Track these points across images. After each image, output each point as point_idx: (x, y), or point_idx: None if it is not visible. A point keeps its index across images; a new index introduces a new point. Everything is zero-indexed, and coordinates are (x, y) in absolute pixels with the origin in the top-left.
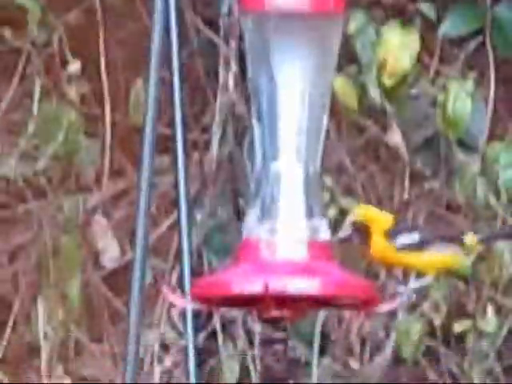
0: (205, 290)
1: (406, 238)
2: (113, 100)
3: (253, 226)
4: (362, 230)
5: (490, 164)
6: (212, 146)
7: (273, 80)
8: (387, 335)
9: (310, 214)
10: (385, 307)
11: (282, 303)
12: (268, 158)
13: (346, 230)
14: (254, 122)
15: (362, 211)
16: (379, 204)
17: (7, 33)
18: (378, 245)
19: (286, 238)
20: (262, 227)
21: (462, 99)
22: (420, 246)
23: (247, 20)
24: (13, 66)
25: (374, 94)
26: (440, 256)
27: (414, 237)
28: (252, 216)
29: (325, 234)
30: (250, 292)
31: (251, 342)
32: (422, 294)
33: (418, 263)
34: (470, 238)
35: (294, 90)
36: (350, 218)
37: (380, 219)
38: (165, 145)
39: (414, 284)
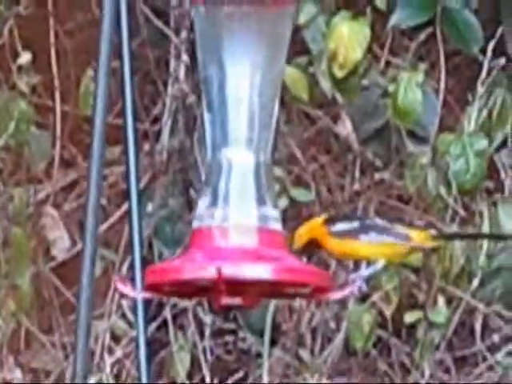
0: (157, 277)
1: (344, 225)
2: (63, 91)
3: (204, 213)
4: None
5: (440, 155)
6: (163, 136)
7: (223, 70)
8: (338, 326)
9: (261, 202)
10: (337, 294)
11: (234, 291)
12: (219, 147)
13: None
14: (205, 111)
15: (298, 236)
16: (330, 195)
17: None
18: (319, 232)
19: (237, 226)
20: (213, 215)
21: (412, 90)
22: (357, 234)
23: (198, 10)
24: None
25: (325, 84)
26: (377, 245)
27: (354, 225)
28: (203, 204)
29: (276, 223)
30: (202, 277)
31: (202, 333)
32: (373, 284)
33: (353, 251)
34: (420, 236)
35: (245, 80)
36: (294, 247)
37: (314, 226)
38: (115, 135)
39: (365, 271)
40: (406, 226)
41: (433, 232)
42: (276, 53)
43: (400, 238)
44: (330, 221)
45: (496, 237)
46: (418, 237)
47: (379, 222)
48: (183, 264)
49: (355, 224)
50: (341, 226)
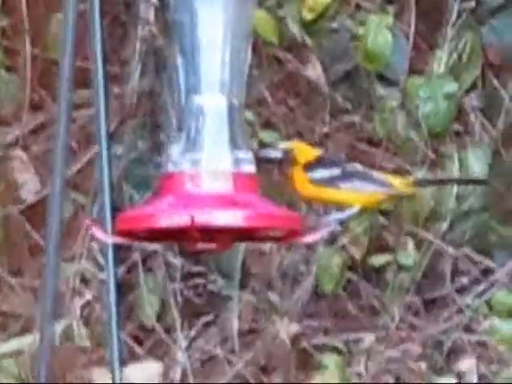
0: (130, 223)
1: (325, 172)
2: (33, 34)
3: (177, 158)
4: (284, 165)
5: (410, 98)
6: (132, 79)
7: (194, 13)
8: (307, 269)
9: (234, 146)
10: (310, 238)
11: (206, 236)
12: (192, 92)
13: (276, 152)
14: (178, 55)
15: (293, 143)
16: (300, 138)
17: None
18: (298, 177)
19: (210, 170)
20: (187, 160)
21: (382, 33)
22: (337, 181)
23: None
24: None
25: (294, 27)
26: (356, 193)
27: (335, 172)
28: (176, 149)
29: (249, 167)
30: (176, 225)
31: (171, 276)
32: (343, 227)
33: (333, 198)
34: (400, 182)
35: (217, 24)
36: (283, 143)
37: (308, 153)
38: (84, 78)
39: (340, 214)
40: (385, 172)
41: (412, 178)
42: None
43: (382, 185)
44: (310, 166)
45: (475, 181)
46: (398, 183)
47: (359, 167)
48: (156, 211)
49: (336, 171)
50: (321, 174)
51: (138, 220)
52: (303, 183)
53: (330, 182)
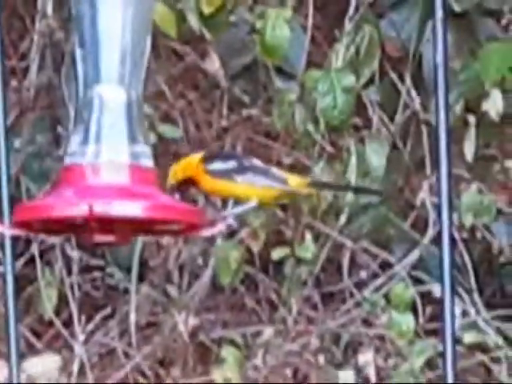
0: (28, 214)
1: (221, 164)
2: None
3: (75, 150)
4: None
5: (308, 91)
6: (30, 72)
7: (94, 5)
8: (206, 262)
9: (132, 139)
10: (208, 231)
11: (105, 228)
12: (90, 84)
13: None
14: (76, 48)
15: (173, 173)
16: (198, 131)
17: None
18: (196, 170)
19: (108, 163)
20: (85, 152)
21: (280, 27)
22: (233, 174)
23: None
24: None
25: (193, 20)
26: (252, 187)
27: (230, 164)
28: (74, 141)
29: (148, 160)
30: (74, 215)
31: (69, 269)
32: (240, 221)
33: (228, 191)
34: (296, 181)
35: (116, 15)
36: (169, 184)
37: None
38: None
39: (238, 209)
40: (284, 170)
41: (308, 179)
42: None
43: (277, 181)
44: (207, 159)
45: (371, 191)
46: (293, 182)
47: (257, 163)
48: (54, 201)
49: (232, 164)
50: (218, 165)
51: (36, 211)
52: (200, 174)
53: (226, 174)
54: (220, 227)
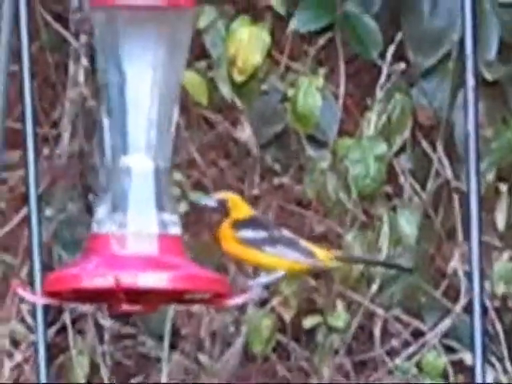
0: (56, 284)
1: (251, 233)
2: None
3: (103, 219)
4: (213, 225)
5: (340, 159)
6: (62, 140)
7: (122, 74)
8: (237, 331)
9: (160, 208)
10: (236, 301)
11: (133, 297)
12: (118, 152)
13: (210, 201)
14: (104, 116)
15: (230, 195)
16: None
17: None
18: (225, 234)
19: (136, 232)
20: (112, 221)
21: (312, 95)
22: (263, 244)
23: (97, 15)
24: None
25: (224, 89)
26: (280, 259)
27: (261, 234)
28: (102, 210)
29: (175, 229)
30: (100, 286)
31: (101, 338)
32: (272, 289)
33: (256, 260)
34: (324, 254)
35: (144, 84)
36: (218, 194)
37: (242, 208)
38: (15, 139)
39: (265, 278)
40: (312, 242)
41: (335, 253)
42: (175, 57)
43: (304, 254)
44: (238, 224)
45: (400, 267)
46: (321, 255)
47: (287, 234)
48: (81, 272)
49: (263, 234)
50: (248, 234)
51: (64, 281)
52: (230, 240)
53: (255, 243)
54: (247, 297)
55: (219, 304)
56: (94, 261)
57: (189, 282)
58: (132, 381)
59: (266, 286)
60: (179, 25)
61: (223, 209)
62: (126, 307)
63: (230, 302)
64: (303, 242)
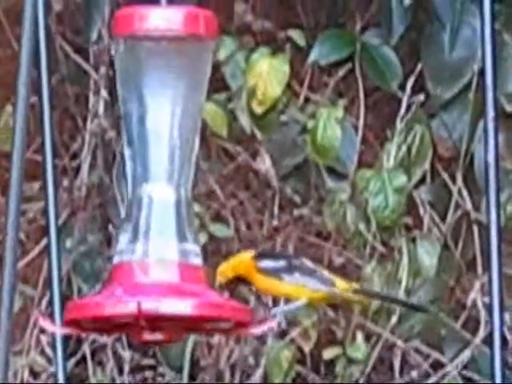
0: (77, 312)
1: (271, 263)
2: None
3: (124, 249)
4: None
5: (359, 191)
6: (82, 172)
7: (143, 104)
8: (257, 362)
9: (181, 237)
10: (258, 330)
11: (154, 326)
12: (139, 183)
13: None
14: (125, 146)
15: (223, 272)
16: (249, 230)
17: None
18: (247, 265)
19: (157, 261)
20: (134, 250)
21: (331, 126)
22: (281, 273)
23: (117, 46)
24: None
25: (244, 120)
26: (298, 287)
27: (280, 263)
28: (123, 239)
29: (197, 259)
30: (122, 313)
31: (121, 369)
32: (292, 320)
33: (276, 289)
34: (344, 285)
35: (165, 115)
36: (218, 282)
37: (243, 260)
38: (34, 171)
39: (285, 307)
40: (333, 273)
41: (355, 286)
42: (196, 88)
43: (324, 283)
44: (259, 256)
45: (417, 308)
46: (341, 285)
47: (307, 263)
48: (103, 300)
49: (281, 262)
50: (268, 263)
51: (85, 309)
52: (251, 271)
53: (275, 272)
54: (269, 325)
55: (242, 333)
56: (115, 289)
57: (212, 309)
58: None
59: (285, 317)
60: (200, 55)
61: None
62: (147, 336)
63: (253, 331)
64: (324, 272)
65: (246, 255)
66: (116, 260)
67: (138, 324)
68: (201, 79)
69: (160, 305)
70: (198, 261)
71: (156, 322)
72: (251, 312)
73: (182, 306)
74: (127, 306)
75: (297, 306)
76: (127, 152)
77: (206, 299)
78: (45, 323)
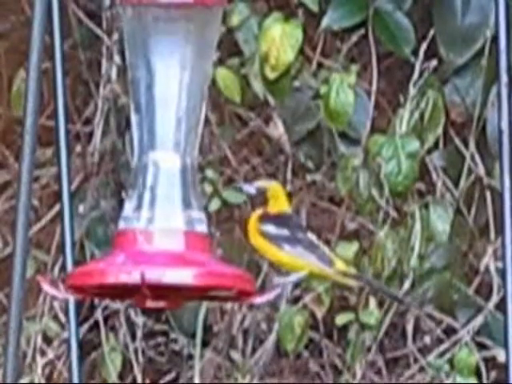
0: (81, 279)
1: (274, 229)
2: None
3: (130, 215)
4: (243, 221)
5: (372, 157)
6: (94, 137)
7: (151, 71)
8: (269, 328)
9: (187, 205)
10: (261, 299)
11: (158, 293)
12: (145, 149)
13: (250, 188)
14: (132, 113)
15: (272, 184)
16: (261, 196)
17: None
18: (251, 225)
19: (162, 228)
20: (139, 217)
21: (344, 92)
22: (283, 242)
23: (126, 12)
24: None
25: (257, 86)
26: (297, 260)
27: (284, 232)
28: (129, 206)
29: (202, 226)
30: (125, 282)
31: (133, 335)
32: (305, 286)
33: (273, 256)
34: (343, 267)
35: (172, 82)
36: (260, 182)
37: (280, 200)
38: (47, 137)
39: (288, 278)
40: (334, 253)
41: (353, 271)
42: (203, 55)
43: (323, 260)
44: (264, 218)
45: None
46: (339, 265)
47: (311, 237)
48: (106, 267)
49: (285, 231)
50: (270, 229)
51: (88, 276)
52: (254, 233)
53: (275, 239)
54: (272, 295)
55: (245, 301)
56: (119, 256)
57: (213, 278)
58: (164, 378)
59: (295, 284)
60: (207, 22)
61: (262, 197)
62: (150, 304)
63: (255, 300)
64: (325, 250)
65: (255, 214)
66: (121, 226)
67: (141, 292)
68: (208, 47)
69: (162, 275)
70: (202, 228)
71: (159, 290)
72: (256, 281)
73: (184, 276)
74: (130, 276)
75: (299, 277)
76: (134, 119)
77: (209, 269)
78: (50, 289)
